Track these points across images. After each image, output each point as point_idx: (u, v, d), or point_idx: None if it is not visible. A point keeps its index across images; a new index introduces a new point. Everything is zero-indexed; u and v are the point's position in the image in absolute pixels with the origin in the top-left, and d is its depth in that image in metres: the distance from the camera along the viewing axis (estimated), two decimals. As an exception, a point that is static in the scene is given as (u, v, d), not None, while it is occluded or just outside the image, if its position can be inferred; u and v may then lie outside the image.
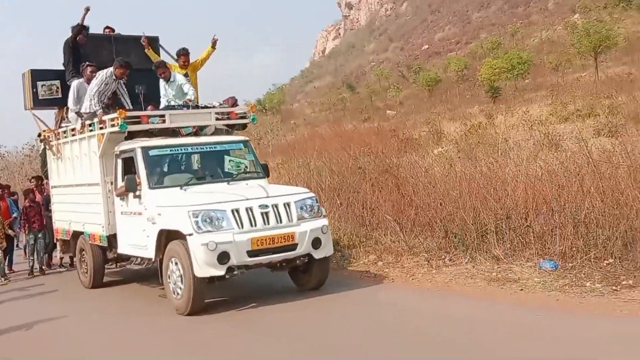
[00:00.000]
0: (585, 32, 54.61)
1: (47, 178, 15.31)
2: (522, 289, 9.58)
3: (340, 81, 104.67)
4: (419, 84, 72.94)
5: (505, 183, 11.92)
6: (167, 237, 10.55)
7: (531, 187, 11.42)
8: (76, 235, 13.67)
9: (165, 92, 12.77)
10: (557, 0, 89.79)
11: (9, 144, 52.17)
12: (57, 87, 13.82)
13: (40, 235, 15.51)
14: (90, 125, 12.51)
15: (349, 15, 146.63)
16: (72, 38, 13.50)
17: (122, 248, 11.99)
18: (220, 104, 12.51)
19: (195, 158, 12.00)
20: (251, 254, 9.93)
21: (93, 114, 12.24)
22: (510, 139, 17.47)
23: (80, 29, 13.54)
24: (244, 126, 12.62)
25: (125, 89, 12.77)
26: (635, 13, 74.42)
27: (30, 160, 40.79)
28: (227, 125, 12.41)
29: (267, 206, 10.23)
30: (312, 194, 10.92)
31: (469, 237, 11.63)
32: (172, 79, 12.67)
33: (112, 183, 12.13)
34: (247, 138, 12.36)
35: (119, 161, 11.90)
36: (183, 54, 13.23)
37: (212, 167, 11.98)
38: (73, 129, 13.29)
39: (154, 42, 14.66)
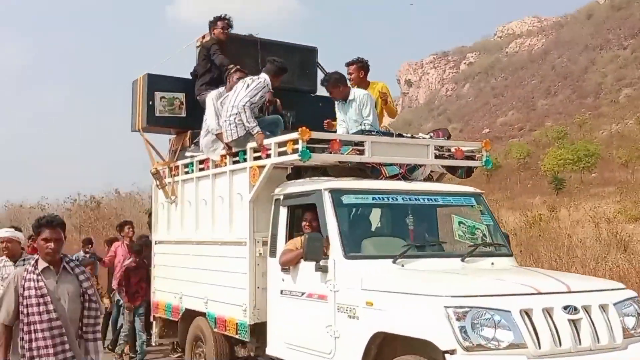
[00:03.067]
0: (659, 128, 51.25)
1: (150, 229, 10.63)
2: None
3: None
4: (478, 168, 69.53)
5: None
6: (382, 345, 5.84)
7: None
8: (190, 315, 8.92)
9: (345, 117, 8.15)
10: (629, 93, 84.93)
11: (50, 195, 47.36)
12: (181, 102, 9.34)
13: (141, 311, 10.63)
14: (234, 155, 7.97)
15: (407, 93, 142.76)
16: (216, 41, 9.17)
17: (276, 349, 7.28)
18: (431, 137, 7.89)
19: (404, 215, 7.22)
20: (560, 398, 5.13)
21: (245, 137, 7.72)
22: (574, 235, 15.78)
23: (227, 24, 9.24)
24: (470, 172, 7.91)
25: None
26: None
27: (70, 215, 36.41)
28: (448, 169, 7.76)
29: (576, 309, 5.44)
30: (633, 293, 6.08)
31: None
32: (351, 97, 8.04)
33: (264, 243, 7.50)
34: (480, 190, 7.63)
35: (283, 210, 7.28)
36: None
37: (429, 231, 7.31)
38: (202, 162, 8.75)
39: (309, 54, 10.20)
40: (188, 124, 9.29)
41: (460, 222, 7.09)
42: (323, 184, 6.80)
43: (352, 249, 6.48)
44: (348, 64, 8.46)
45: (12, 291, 5.00)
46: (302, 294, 6.83)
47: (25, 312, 4.90)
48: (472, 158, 7.72)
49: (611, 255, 13.55)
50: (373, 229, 7.24)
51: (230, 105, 7.87)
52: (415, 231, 7.13)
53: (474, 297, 5.33)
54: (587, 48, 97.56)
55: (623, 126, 75.34)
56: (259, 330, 7.56)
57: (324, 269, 6.48)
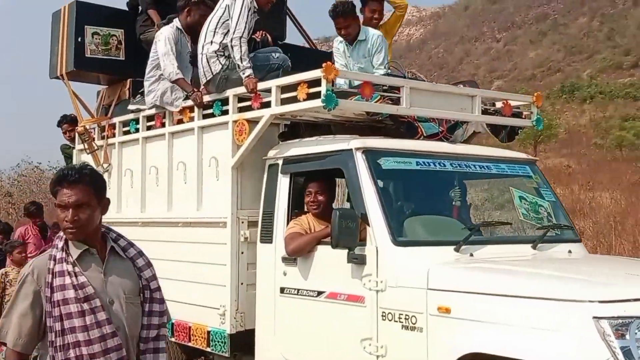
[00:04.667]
0: (526, 120, 51.76)
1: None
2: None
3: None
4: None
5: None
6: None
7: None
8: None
9: (346, 61, 6.13)
10: (500, 85, 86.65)
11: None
12: (119, 41, 7.07)
13: None
14: (208, 107, 5.85)
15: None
16: None
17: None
18: (459, 90, 6.03)
19: (449, 186, 5.36)
20: None
21: (222, 79, 5.64)
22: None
23: None
24: (512, 135, 6.09)
25: None
26: (576, 106, 72.30)
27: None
28: (491, 130, 5.95)
29: None
30: None
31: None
32: (362, 37, 6.02)
33: (251, 224, 5.47)
34: (535, 158, 5.90)
35: (284, 180, 5.24)
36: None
37: (464, 207, 5.52)
38: (150, 118, 6.55)
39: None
40: (127, 69, 7.04)
41: (521, 198, 5.29)
42: (353, 142, 4.82)
43: (402, 232, 4.56)
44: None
45: (29, 298, 2.88)
46: (319, 293, 4.85)
47: (57, 328, 2.81)
48: (517, 116, 5.92)
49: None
50: (419, 205, 5.29)
51: (204, 34, 5.78)
52: (460, 208, 5.30)
53: (634, 301, 3.54)
54: (462, 39, 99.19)
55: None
56: (239, 342, 5.51)
57: (360, 260, 4.52)
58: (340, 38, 6.12)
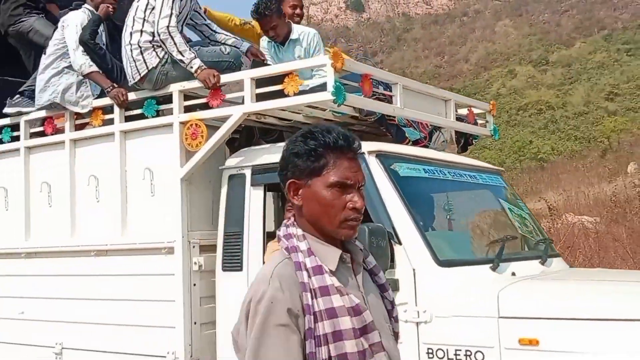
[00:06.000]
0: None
1: None
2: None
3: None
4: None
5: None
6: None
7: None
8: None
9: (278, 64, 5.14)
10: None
11: None
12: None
13: None
14: (127, 107, 4.59)
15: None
16: None
17: None
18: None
19: (445, 197, 4.61)
20: None
21: (161, 71, 4.44)
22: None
23: None
24: (466, 145, 5.45)
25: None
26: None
27: None
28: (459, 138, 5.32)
29: None
30: None
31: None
32: (294, 36, 5.07)
33: (202, 249, 4.30)
34: (500, 168, 5.36)
35: (256, 193, 4.18)
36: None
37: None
38: (37, 122, 5.08)
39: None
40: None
41: (511, 210, 4.69)
42: (363, 145, 3.90)
43: (445, 251, 3.75)
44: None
45: (290, 334, 1.68)
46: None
47: None
48: (475, 123, 5.36)
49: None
50: (428, 217, 4.45)
51: (132, 21, 4.52)
52: (455, 221, 4.59)
53: None
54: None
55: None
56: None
57: (391, 286, 3.60)
58: (267, 38, 5.14)
